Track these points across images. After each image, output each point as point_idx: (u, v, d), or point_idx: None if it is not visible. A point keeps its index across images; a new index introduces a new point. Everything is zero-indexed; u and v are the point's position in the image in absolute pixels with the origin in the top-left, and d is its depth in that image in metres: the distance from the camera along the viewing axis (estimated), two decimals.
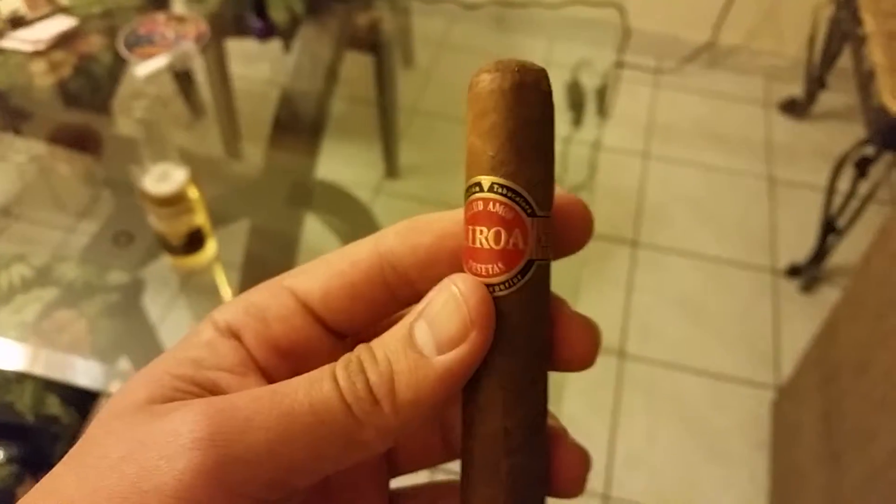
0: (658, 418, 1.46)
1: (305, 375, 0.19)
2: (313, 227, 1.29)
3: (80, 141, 1.17)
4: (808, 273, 1.67)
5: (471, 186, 0.20)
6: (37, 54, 1.12)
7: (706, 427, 1.45)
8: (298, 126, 1.34)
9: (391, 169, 1.75)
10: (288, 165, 1.29)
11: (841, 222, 1.58)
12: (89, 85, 1.18)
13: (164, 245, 0.85)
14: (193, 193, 0.81)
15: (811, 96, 2.02)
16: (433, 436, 0.24)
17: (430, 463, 0.25)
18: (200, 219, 0.83)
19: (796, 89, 2.06)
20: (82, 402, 0.99)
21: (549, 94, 0.21)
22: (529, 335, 0.20)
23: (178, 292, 0.95)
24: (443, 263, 0.21)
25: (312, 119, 1.34)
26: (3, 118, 1.14)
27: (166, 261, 0.90)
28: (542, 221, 0.20)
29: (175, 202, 0.79)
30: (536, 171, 0.20)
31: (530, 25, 2.18)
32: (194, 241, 0.84)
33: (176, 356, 0.21)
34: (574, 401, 1.46)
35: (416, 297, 0.21)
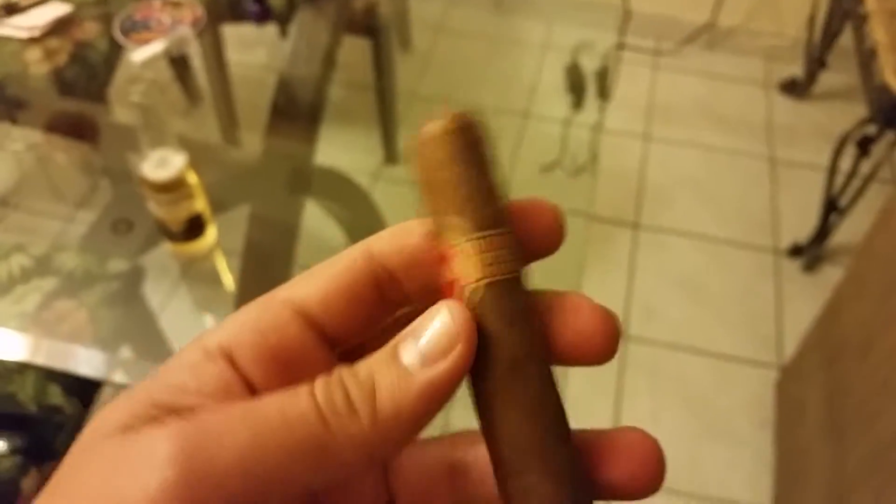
0: (661, 399, 1.45)
1: (282, 391, 0.19)
2: (313, 214, 1.29)
3: (77, 129, 1.16)
4: (810, 253, 1.67)
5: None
6: (32, 41, 1.11)
7: (710, 407, 1.45)
8: (296, 112, 1.33)
9: (390, 154, 1.74)
10: (286, 152, 1.28)
11: (843, 202, 1.57)
12: (85, 72, 1.17)
13: (164, 232, 0.84)
14: (192, 179, 0.80)
15: (811, 76, 2.01)
16: (440, 479, 0.23)
17: None
18: (200, 204, 0.83)
19: (796, 69, 2.05)
20: (84, 391, 0.99)
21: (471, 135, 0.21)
22: (509, 347, 0.20)
23: (178, 280, 0.95)
24: (426, 264, 0.21)
25: (310, 105, 1.33)
26: None
27: (166, 248, 0.89)
28: (488, 241, 0.20)
29: (174, 188, 0.78)
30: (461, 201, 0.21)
31: (529, 7, 2.17)
32: (194, 228, 0.83)
33: (157, 381, 0.20)
34: (577, 383, 1.46)
35: (404, 300, 0.22)
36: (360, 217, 1.52)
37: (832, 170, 1.58)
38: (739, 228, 1.75)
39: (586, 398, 1.44)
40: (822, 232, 1.63)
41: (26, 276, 0.97)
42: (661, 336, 1.55)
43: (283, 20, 1.45)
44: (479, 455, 0.22)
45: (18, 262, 0.98)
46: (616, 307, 1.57)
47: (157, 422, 0.19)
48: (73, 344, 0.90)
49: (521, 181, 1.75)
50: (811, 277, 1.66)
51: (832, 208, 1.59)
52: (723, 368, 1.50)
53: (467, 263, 0.20)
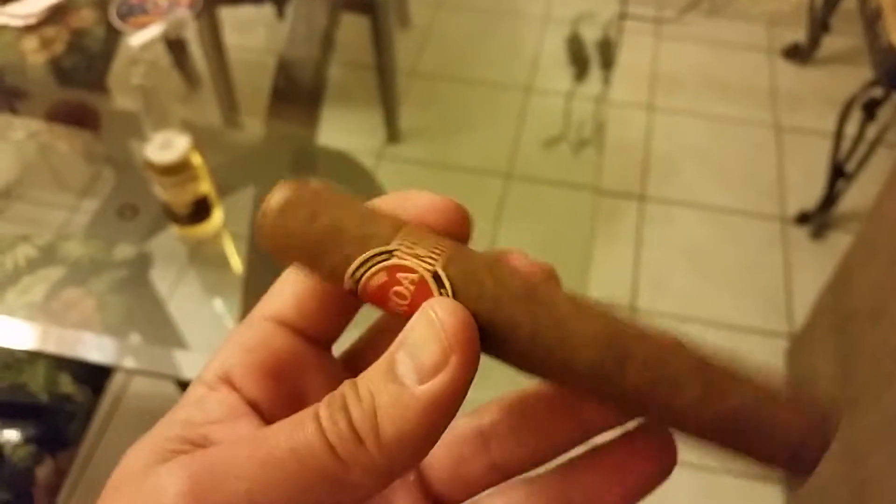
0: None
1: (289, 419, 0.19)
2: None
3: (78, 117, 1.15)
4: (817, 219, 1.66)
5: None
6: (28, 30, 1.10)
7: None
8: (297, 94, 1.32)
9: (392, 133, 1.73)
10: (289, 133, 1.27)
11: (850, 167, 1.56)
12: (84, 60, 1.17)
13: (170, 215, 0.84)
14: (197, 161, 0.79)
15: (815, 41, 1.99)
16: (471, 446, 0.23)
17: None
18: (205, 187, 0.82)
19: (799, 34, 2.03)
20: (95, 378, 0.99)
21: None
22: (520, 291, 0.20)
23: (186, 264, 0.94)
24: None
25: (311, 86, 1.31)
26: None
27: (173, 232, 0.88)
28: (412, 236, 0.20)
29: (179, 170, 0.77)
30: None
31: None
32: (200, 210, 0.83)
33: (168, 420, 0.21)
34: None
35: None
36: (365, 196, 1.52)
37: (838, 135, 1.56)
38: (746, 197, 1.74)
39: None
40: (830, 198, 1.62)
41: (32, 266, 0.97)
42: (670, 308, 1.54)
43: (280, 1, 1.44)
44: (509, 415, 0.22)
45: (24, 252, 0.98)
46: (624, 280, 1.57)
47: (169, 460, 0.19)
48: (82, 332, 0.90)
49: (526, 157, 1.74)
50: (819, 244, 1.65)
51: (839, 174, 1.58)
52: (733, 339, 1.50)
53: (411, 265, 0.20)
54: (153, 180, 0.79)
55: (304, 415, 0.18)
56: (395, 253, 0.20)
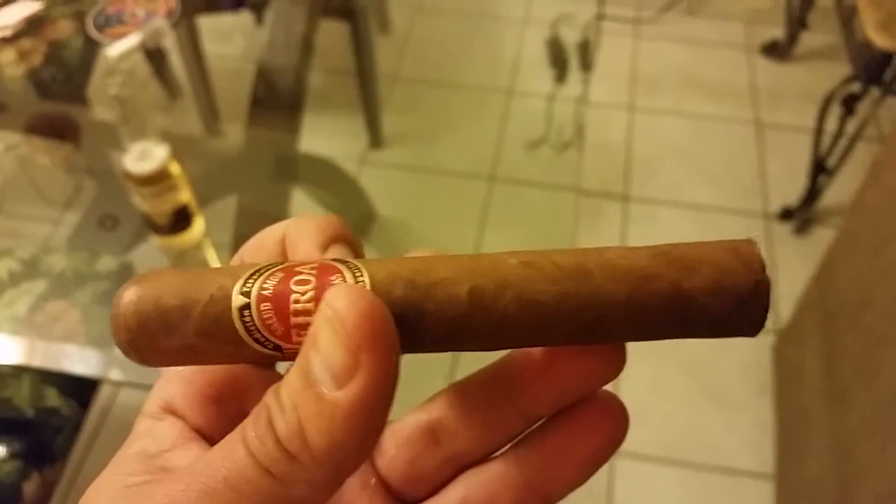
0: (660, 369, 1.46)
1: (220, 444, 0.18)
2: (301, 202, 1.28)
3: (58, 129, 1.14)
4: (800, 215, 1.67)
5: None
6: (4, 41, 1.09)
7: (708, 374, 1.45)
8: (277, 101, 1.31)
9: (375, 139, 1.73)
10: (270, 141, 1.27)
11: (830, 162, 1.57)
12: (62, 72, 1.16)
13: (151, 226, 0.83)
14: (176, 170, 0.79)
15: (793, 38, 2.00)
16: (423, 443, 0.23)
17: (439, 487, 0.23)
18: (185, 196, 0.81)
19: (777, 32, 2.05)
20: (81, 392, 0.98)
21: None
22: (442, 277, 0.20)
23: None
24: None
25: (291, 93, 1.31)
26: None
27: (154, 242, 0.88)
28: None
29: (158, 180, 0.77)
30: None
31: None
32: (181, 220, 0.82)
33: (121, 458, 0.21)
34: None
35: None
36: (349, 202, 1.51)
37: (818, 131, 1.58)
38: (728, 195, 1.75)
39: None
40: (812, 194, 1.63)
41: (15, 279, 0.96)
42: None
43: (259, 7, 1.44)
44: (454, 408, 0.22)
45: (6, 266, 0.97)
46: None
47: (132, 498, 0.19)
48: (67, 344, 0.90)
49: (509, 159, 1.75)
50: (803, 240, 1.66)
51: (820, 169, 1.59)
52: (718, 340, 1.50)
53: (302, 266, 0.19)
54: (132, 191, 0.79)
55: (235, 437, 0.18)
56: (276, 266, 0.19)
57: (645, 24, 2.13)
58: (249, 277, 0.19)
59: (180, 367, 0.22)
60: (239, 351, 0.19)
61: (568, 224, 1.66)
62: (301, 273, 0.19)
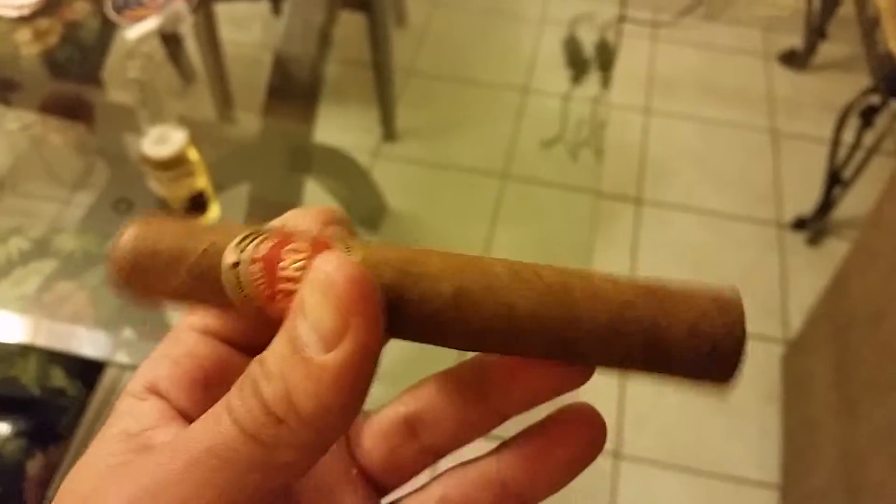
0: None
1: (204, 416, 0.18)
2: (314, 192, 1.27)
3: (72, 110, 1.14)
4: (813, 226, 1.66)
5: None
6: (21, 21, 1.09)
7: None
8: (294, 91, 1.31)
9: (389, 132, 1.72)
10: (285, 130, 1.26)
11: (846, 174, 1.56)
12: (78, 53, 1.15)
13: (166, 211, 0.82)
14: (193, 155, 0.78)
15: (811, 47, 1.99)
16: (400, 435, 0.23)
17: (414, 473, 0.24)
18: (202, 182, 0.81)
19: (796, 40, 2.03)
20: (88, 373, 0.98)
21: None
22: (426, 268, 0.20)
23: None
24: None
25: (307, 83, 1.30)
26: None
27: None
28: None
29: (175, 165, 0.76)
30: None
31: None
32: (197, 205, 0.81)
33: (102, 438, 0.21)
34: None
35: None
36: (361, 195, 1.51)
37: (835, 142, 1.56)
38: (742, 202, 1.74)
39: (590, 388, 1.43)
40: (826, 205, 1.62)
41: (25, 258, 0.95)
42: None
43: None
44: (431, 401, 0.23)
45: (16, 244, 0.96)
46: None
47: (108, 484, 0.19)
48: (75, 325, 0.89)
49: (523, 158, 1.74)
50: (815, 250, 1.65)
51: (835, 181, 1.58)
52: None
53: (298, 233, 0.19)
54: (149, 175, 0.78)
55: (219, 408, 0.18)
56: (273, 231, 0.20)
57: (663, 28, 2.12)
58: (245, 238, 0.19)
59: (169, 350, 0.22)
60: (223, 304, 0.20)
61: (582, 226, 1.65)
62: (295, 241, 0.19)
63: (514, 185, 1.70)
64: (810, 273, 1.57)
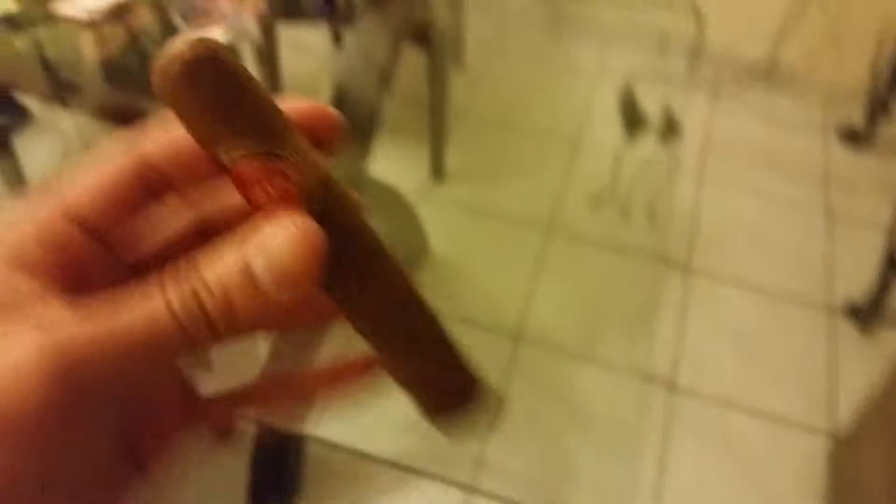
0: (708, 461, 1.38)
1: (129, 293, 0.19)
2: None
3: (126, 118, 1.11)
4: (867, 313, 1.60)
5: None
6: (88, 25, 1.06)
7: (758, 471, 1.37)
8: (352, 124, 1.26)
9: (437, 172, 1.68)
10: (340, 162, 1.22)
11: None
12: (137, 61, 1.13)
13: None
14: None
15: (873, 124, 1.94)
16: (186, 237, 0.24)
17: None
18: None
19: (857, 115, 1.99)
20: None
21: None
22: (363, 240, 0.22)
23: None
24: (204, 163, 0.22)
25: (366, 118, 1.26)
26: (52, 89, 1.08)
27: None
28: (291, 148, 0.21)
29: None
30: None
31: (584, 32, 2.12)
32: None
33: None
34: (620, 435, 1.38)
35: (169, 190, 0.23)
36: (405, 233, 1.47)
37: (894, 227, 1.51)
38: (793, 280, 1.68)
39: (628, 453, 1.36)
40: (881, 292, 1.56)
41: None
42: (711, 389, 1.47)
43: (340, 23, 1.40)
44: (221, 202, 0.24)
45: None
46: (665, 354, 1.50)
47: (13, 330, 0.19)
48: None
49: (571, 214, 1.69)
50: (868, 339, 1.58)
51: (892, 267, 1.52)
52: (773, 430, 1.42)
53: (284, 175, 0.20)
54: None
55: (156, 298, 0.19)
56: (280, 156, 0.20)
57: (723, 94, 2.08)
58: (248, 153, 0.20)
59: (42, 228, 0.21)
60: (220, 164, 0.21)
61: (633, 291, 1.59)
62: (274, 179, 0.20)
63: (560, 240, 1.66)
64: (862, 363, 1.51)
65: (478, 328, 1.49)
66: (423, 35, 1.51)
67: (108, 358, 0.19)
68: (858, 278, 1.63)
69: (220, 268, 0.19)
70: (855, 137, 1.98)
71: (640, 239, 1.56)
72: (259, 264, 0.19)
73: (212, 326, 0.19)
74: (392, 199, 1.41)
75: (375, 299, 0.22)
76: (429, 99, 1.57)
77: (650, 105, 1.67)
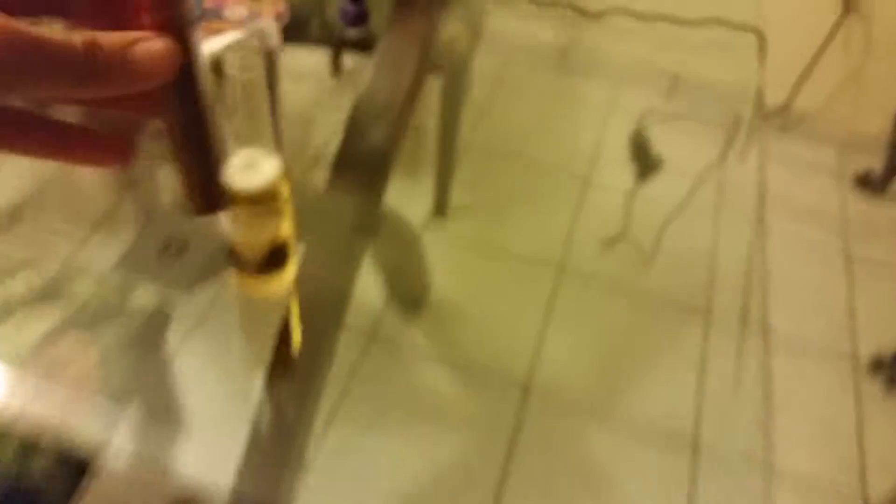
0: None
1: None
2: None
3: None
4: (892, 369, 1.50)
5: None
6: None
7: None
8: (367, 156, 1.14)
9: (441, 206, 1.58)
10: (355, 193, 1.10)
11: None
12: None
13: (236, 259, 0.63)
14: (285, 192, 0.60)
15: (891, 171, 1.87)
16: None
17: None
18: (287, 228, 0.62)
19: (873, 162, 1.92)
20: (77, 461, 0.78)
21: None
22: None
23: (233, 325, 0.74)
24: None
25: (383, 149, 1.14)
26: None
27: (231, 281, 0.67)
28: None
29: (263, 201, 0.58)
30: None
31: (593, 69, 2.05)
32: (277, 257, 0.62)
33: None
34: (643, 501, 1.26)
35: None
36: (406, 264, 1.37)
37: None
38: (814, 328, 1.59)
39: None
40: None
41: (32, 298, 0.78)
42: (737, 447, 1.36)
43: (337, 52, 1.29)
44: None
45: (26, 279, 0.79)
46: (685, 408, 1.38)
47: None
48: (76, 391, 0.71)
49: (581, 254, 1.59)
50: (895, 398, 1.49)
51: None
52: (802, 495, 1.31)
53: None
54: (227, 211, 0.60)
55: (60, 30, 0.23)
56: None
57: (738, 137, 2.02)
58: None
59: None
60: None
61: (646, 337, 1.49)
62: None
63: (570, 282, 1.55)
64: (891, 424, 1.41)
65: (482, 376, 1.38)
66: (445, 58, 1.43)
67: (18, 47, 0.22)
68: (884, 329, 1.54)
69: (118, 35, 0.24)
70: (871, 184, 1.91)
71: (656, 282, 1.46)
72: (142, 45, 0.25)
73: (111, 53, 0.24)
74: (399, 228, 1.31)
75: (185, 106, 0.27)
76: (440, 130, 1.48)
77: (663, 146, 1.59)
